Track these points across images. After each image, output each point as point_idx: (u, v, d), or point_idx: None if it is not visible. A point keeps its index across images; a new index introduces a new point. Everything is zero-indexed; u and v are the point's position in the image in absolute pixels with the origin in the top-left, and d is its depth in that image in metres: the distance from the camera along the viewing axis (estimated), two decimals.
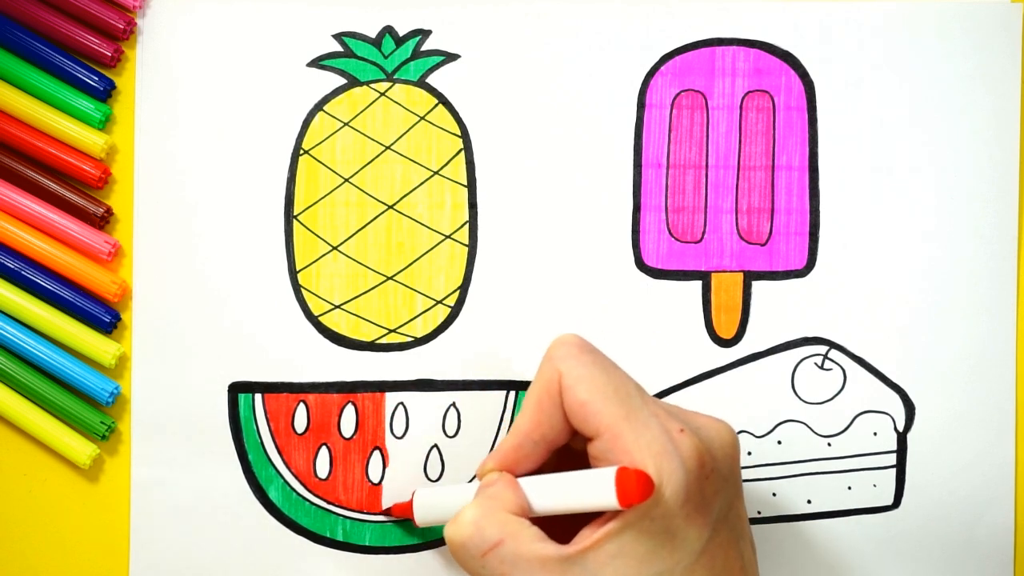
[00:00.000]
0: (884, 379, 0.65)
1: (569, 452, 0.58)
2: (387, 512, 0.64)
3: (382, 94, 0.64)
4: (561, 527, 0.56)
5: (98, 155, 0.63)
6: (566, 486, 0.55)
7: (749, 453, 0.65)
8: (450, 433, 0.64)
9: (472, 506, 0.55)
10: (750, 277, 0.65)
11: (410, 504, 0.62)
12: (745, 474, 0.65)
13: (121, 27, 0.63)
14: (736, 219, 0.65)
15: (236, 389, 0.64)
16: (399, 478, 0.64)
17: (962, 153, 0.65)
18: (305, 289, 0.64)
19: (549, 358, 0.56)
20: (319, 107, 0.64)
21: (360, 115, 0.64)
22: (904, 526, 0.65)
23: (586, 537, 0.54)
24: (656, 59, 0.65)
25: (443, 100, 0.64)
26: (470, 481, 0.64)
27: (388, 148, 0.64)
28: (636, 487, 0.52)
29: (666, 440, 0.54)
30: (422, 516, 0.61)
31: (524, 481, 0.56)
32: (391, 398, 0.64)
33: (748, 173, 0.65)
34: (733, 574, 0.55)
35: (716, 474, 0.55)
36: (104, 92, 0.63)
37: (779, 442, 0.65)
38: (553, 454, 0.58)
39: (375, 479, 0.64)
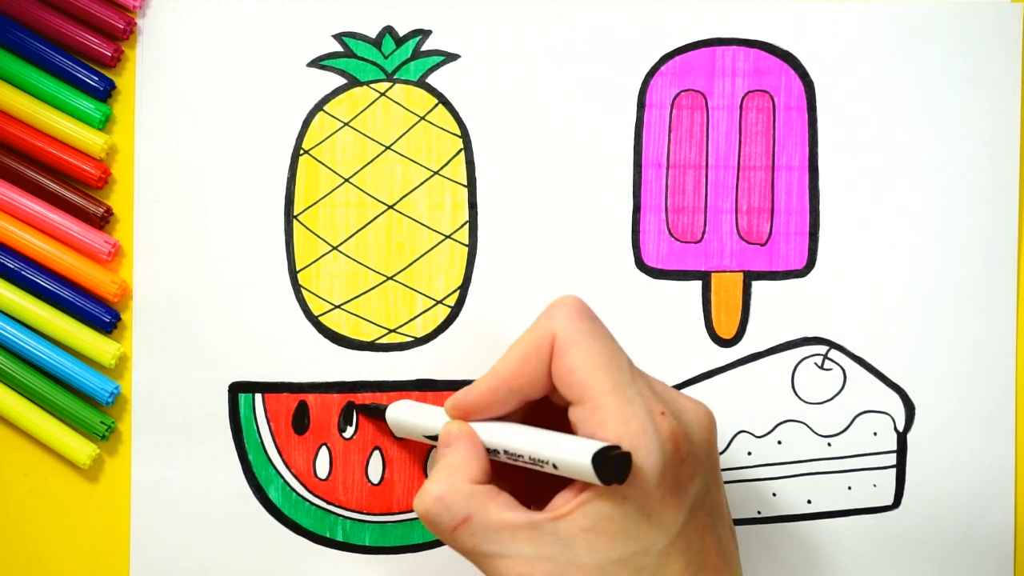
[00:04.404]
0: (884, 379, 0.65)
1: (542, 401, 0.58)
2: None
3: (382, 94, 0.64)
4: (532, 491, 0.56)
5: (98, 155, 0.63)
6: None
7: (749, 453, 0.65)
8: None
9: (436, 480, 0.55)
10: (750, 277, 0.65)
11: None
12: (745, 474, 0.65)
13: (121, 27, 0.63)
14: (736, 219, 0.65)
15: (236, 389, 0.64)
16: (399, 478, 0.64)
17: (962, 153, 0.65)
18: (305, 289, 0.64)
19: (547, 316, 0.56)
20: (319, 107, 0.64)
21: (360, 115, 0.64)
22: (904, 526, 0.65)
23: (558, 506, 0.54)
24: (656, 59, 0.65)
25: (443, 100, 0.64)
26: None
27: (388, 148, 0.64)
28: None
29: (647, 420, 0.53)
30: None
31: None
32: (391, 398, 0.64)
33: (748, 173, 0.65)
34: (710, 558, 0.54)
35: (692, 458, 0.54)
36: (104, 92, 0.63)
37: (779, 442, 0.65)
38: (526, 403, 0.57)
39: (375, 479, 0.64)
